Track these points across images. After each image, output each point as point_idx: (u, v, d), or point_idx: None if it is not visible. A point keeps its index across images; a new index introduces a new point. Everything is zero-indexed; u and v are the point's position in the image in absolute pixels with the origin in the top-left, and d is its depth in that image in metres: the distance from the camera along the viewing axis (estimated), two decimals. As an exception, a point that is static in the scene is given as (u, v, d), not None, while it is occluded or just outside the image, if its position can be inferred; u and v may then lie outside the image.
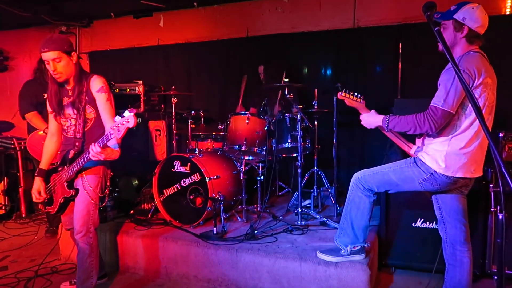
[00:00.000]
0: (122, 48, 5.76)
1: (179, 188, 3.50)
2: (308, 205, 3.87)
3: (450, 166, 2.15)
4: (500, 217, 1.21)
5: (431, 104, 2.11)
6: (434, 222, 2.96)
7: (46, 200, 2.68)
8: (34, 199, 2.66)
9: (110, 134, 2.23)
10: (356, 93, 2.50)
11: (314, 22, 4.77)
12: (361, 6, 4.55)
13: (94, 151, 2.30)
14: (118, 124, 2.19)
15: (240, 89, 4.55)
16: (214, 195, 3.26)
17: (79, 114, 2.54)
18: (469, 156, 2.15)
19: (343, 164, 4.55)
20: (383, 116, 2.31)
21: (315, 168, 3.97)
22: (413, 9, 4.15)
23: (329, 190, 3.93)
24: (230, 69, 5.20)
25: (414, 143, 2.42)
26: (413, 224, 3.06)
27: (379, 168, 2.43)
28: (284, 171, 4.53)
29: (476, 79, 2.06)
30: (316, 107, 3.80)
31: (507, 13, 4.04)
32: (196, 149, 3.66)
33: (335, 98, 3.54)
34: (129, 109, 2.20)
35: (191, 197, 3.43)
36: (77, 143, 2.55)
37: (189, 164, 3.43)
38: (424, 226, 3.03)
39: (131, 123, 2.16)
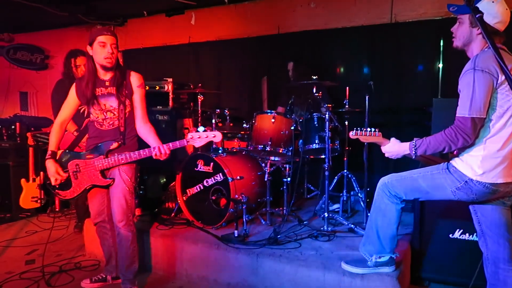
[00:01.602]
0: (155, 46, 5.81)
1: (202, 188, 3.42)
2: (336, 210, 3.67)
3: (488, 171, 1.92)
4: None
5: (457, 115, 1.90)
6: (475, 234, 2.68)
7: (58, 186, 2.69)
8: (53, 182, 2.66)
9: (187, 141, 2.48)
10: (369, 128, 2.26)
11: (349, 18, 4.54)
12: (399, 0, 4.28)
13: (163, 151, 2.49)
14: (200, 135, 2.46)
15: (262, 93, 4.40)
16: (237, 196, 3.15)
17: (122, 107, 2.62)
18: (509, 158, 1.92)
19: (376, 167, 4.29)
20: (408, 142, 2.09)
21: (345, 171, 3.76)
22: (456, 2, 3.82)
23: (359, 195, 3.71)
24: (260, 66, 5.08)
25: (447, 158, 2.16)
26: (450, 235, 2.80)
27: (408, 173, 2.21)
28: (313, 173, 4.34)
29: (500, 76, 1.84)
30: (347, 106, 3.59)
31: None
32: (220, 148, 3.56)
33: (367, 97, 3.33)
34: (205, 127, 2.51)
35: (214, 197, 3.34)
36: (121, 136, 2.64)
37: (212, 163, 3.34)
38: (463, 238, 2.76)
39: (217, 139, 2.50)
